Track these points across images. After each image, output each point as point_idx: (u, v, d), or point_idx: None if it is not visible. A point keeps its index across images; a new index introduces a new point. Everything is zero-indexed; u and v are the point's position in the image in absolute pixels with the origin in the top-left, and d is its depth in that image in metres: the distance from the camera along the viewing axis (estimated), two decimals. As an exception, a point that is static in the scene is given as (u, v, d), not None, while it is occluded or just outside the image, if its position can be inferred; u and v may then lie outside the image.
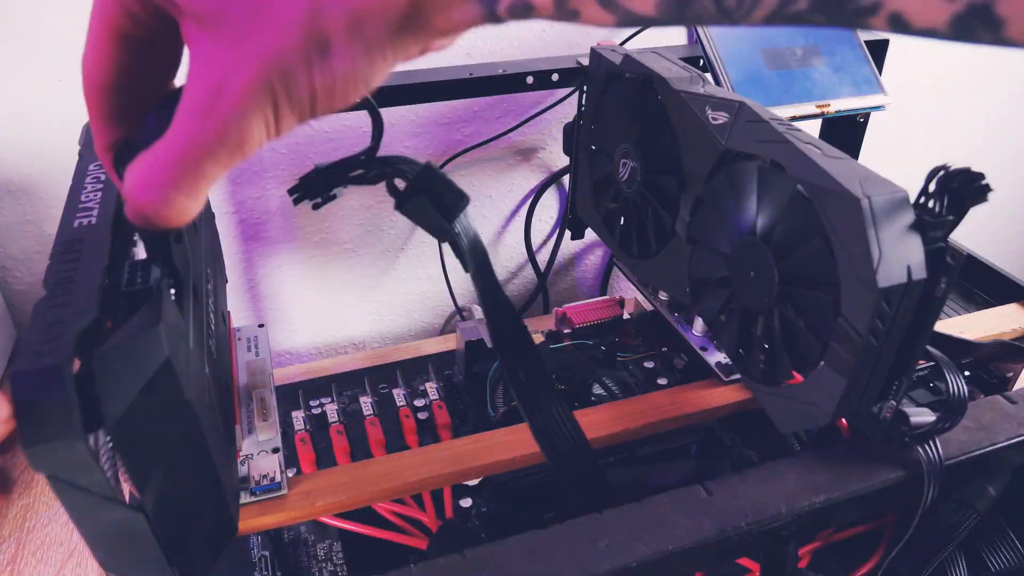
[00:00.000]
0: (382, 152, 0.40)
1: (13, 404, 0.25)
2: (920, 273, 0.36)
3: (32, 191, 0.67)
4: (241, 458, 0.47)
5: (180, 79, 0.28)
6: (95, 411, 0.26)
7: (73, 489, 0.26)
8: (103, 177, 0.38)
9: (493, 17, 0.23)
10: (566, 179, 0.83)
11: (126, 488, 0.29)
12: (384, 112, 0.77)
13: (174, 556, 0.31)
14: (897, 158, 0.82)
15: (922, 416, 0.43)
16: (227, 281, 0.58)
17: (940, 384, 0.54)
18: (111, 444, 0.27)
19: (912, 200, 0.37)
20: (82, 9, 0.62)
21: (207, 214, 0.55)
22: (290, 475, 0.47)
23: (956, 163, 0.37)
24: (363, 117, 0.74)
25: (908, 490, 0.44)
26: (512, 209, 0.87)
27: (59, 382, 0.25)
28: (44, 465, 0.25)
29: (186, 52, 0.26)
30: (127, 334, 0.28)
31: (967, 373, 0.57)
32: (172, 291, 0.34)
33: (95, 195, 0.36)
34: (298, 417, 0.57)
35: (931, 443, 0.43)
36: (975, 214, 0.37)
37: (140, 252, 0.34)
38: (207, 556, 0.35)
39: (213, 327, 0.45)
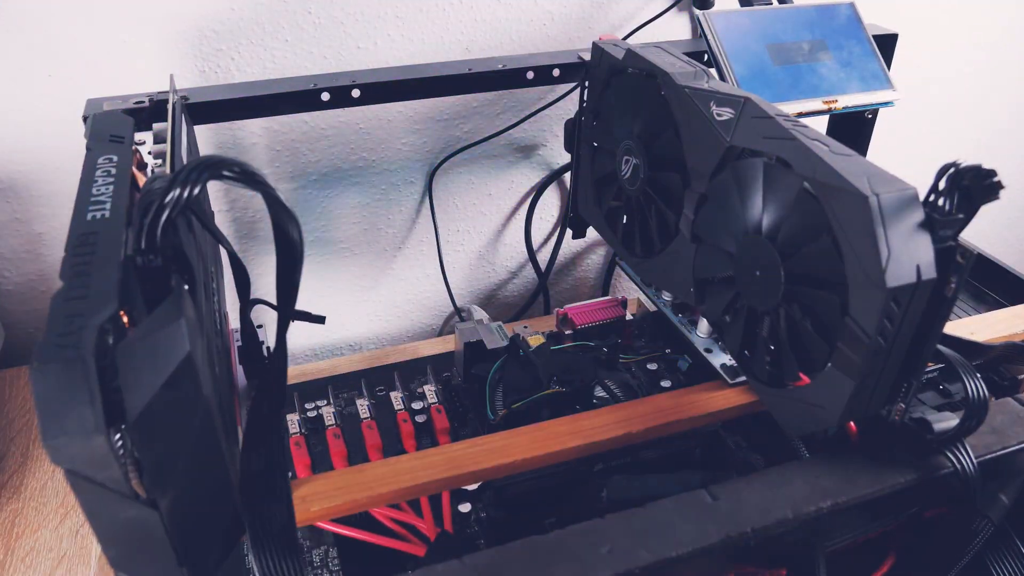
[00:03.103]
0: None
1: (34, 396, 0.24)
2: (930, 272, 0.35)
3: (21, 189, 0.66)
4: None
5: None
6: (116, 405, 0.26)
7: (90, 484, 0.26)
8: (113, 171, 0.38)
9: None
10: (567, 177, 0.82)
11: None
12: (381, 109, 0.77)
13: (185, 555, 0.31)
14: (906, 155, 0.81)
15: (944, 421, 0.42)
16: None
17: (950, 386, 0.53)
18: (129, 439, 0.27)
19: (921, 198, 0.36)
20: (72, 2, 0.61)
21: (207, 213, 0.54)
22: (285, 480, 0.47)
23: (967, 160, 0.36)
24: (359, 114, 0.73)
25: (918, 495, 0.43)
26: (512, 207, 0.87)
27: (81, 375, 0.24)
28: (63, 459, 0.25)
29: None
30: (150, 328, 0.28)
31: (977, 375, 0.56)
32: (186, 287, 0.33)
33: (107, 188, 0.36)
34: (293, 420, 0.56)
35: (959, 446, 0.42)
36: (986, 212, 0.37)
37: None
38: (216, 556, 0.35)
39: (218, 327, 0.45)
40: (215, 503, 0.35)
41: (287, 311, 0.40)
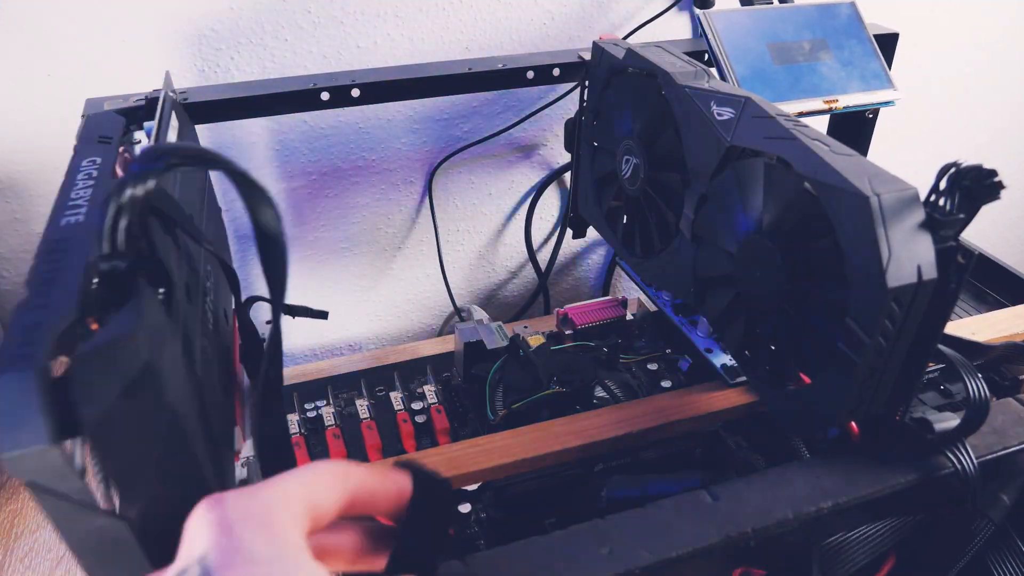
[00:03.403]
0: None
1: None
2: (930, 273, 0.35)
3: (21, 188, 0.66)
4: (241, 461, 0.46)
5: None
6: (71, 417, 0.25)
7: (52, 496, 0.26)
8: (95, 174, 0.37)
9: None
10: (567, 176, 0.82)
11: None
12: (380, 108, 0.76)
13: (160, 563, 0.30)
14: (907, 155, 0.81)
15: (945, 422, 0.42)
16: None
17: (951, 386, 0.53)
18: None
19: (922, 198, 0.36)
20: (71, 2, 0.60)
21: (213, 209, 0.54)
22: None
23: (968, 160, 0.36)
24: (359, 114, 0.73)
25: (918, 495, 0.43)
26: (512, 207, 0.86)
27: (34, 387, 0.24)
28: (21, 472, 0.25)
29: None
30: (104, 337, 0.27)
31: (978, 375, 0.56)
32: (161, 291, 0.32)
33: (85, 192, 0.35)
34: (293, 420, 0.56)
35: (960, 447, 0.42)
36: (987, 212, 0.36)
37: None
38: None
39: (212, 326, 0.44)
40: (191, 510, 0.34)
41: (278, 300, 0.37)
